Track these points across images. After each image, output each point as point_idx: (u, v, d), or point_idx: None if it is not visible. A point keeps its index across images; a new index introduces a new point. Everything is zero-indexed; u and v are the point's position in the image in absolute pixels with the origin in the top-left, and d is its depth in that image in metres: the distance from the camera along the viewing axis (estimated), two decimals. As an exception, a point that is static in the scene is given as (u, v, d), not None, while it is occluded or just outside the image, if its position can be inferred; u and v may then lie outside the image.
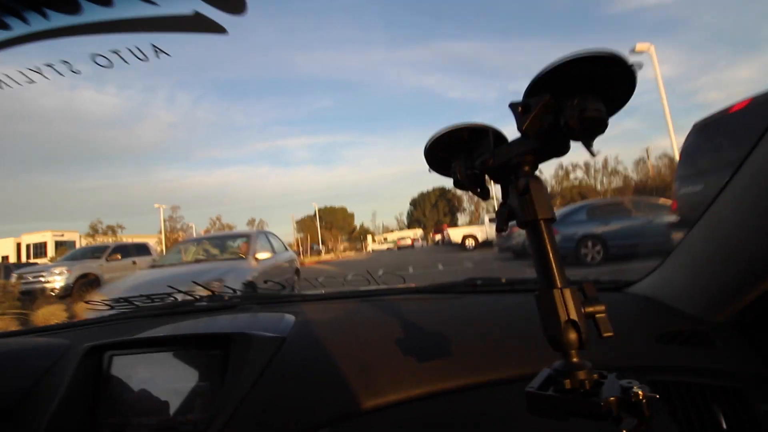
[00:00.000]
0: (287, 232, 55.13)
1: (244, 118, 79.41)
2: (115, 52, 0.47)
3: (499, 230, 0.48)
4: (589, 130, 0.40)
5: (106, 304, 1.20)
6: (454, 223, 54.46)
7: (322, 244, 43.77)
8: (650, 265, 0.90)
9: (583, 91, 0.40)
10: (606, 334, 0.40)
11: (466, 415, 0.68)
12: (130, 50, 0.47)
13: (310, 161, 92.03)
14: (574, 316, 0.40)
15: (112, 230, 46.68)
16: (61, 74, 0.50)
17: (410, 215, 69.00)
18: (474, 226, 20.20)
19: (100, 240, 45.82)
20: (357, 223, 70.60)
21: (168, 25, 0.46)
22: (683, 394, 0.64)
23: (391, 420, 0.68)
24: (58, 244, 52.40)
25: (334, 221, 67.59)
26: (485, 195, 0.51)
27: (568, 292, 0.41)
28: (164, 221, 48.06)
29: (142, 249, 13.40)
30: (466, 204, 57.86)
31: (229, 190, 76.60)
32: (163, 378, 0.76)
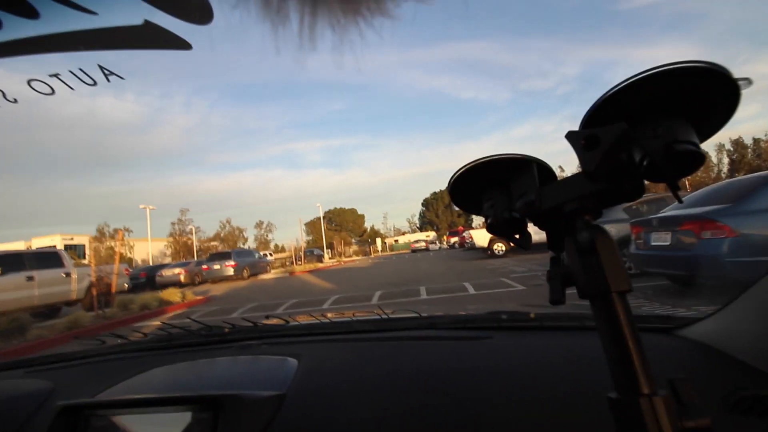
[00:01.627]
0: (296, 236, 52.35)
1: (257, 122, 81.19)
2: (55, 75, 0.41)
3: (553, 303, 0.35)
4: (679, 169, 0.31)
5: (98, 339, 1.14)
6: (468, 225, 50.24)
7: (328, 248, 39.72)
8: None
9: (667, 116, 0.31)
10: None
11: None
12: (73, 73, 0.41)
13: (322, 164, 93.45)
14: None
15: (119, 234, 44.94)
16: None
17: (422, 217, 64.90)
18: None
19: (108, 244, 44.04)
20: (368, 224, 67.04)
21: (117, 40, 0.39)
22: None
23: None
24: (68, 248, 51.81)
25: (343, 223, 64.18)
26: (526, 244, 0.40)
27: (659, 402, 0.29)
28: (172, 225, 46.74)
29: (49, 259, 9.44)
30: (481, 204, 53.08)
31: (241, 194, 78.60)
32: None
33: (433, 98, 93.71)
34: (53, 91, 0.42)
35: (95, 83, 0.42)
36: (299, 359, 0.83)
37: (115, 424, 0.70)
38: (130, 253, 44.03)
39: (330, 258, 34.73)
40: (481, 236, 14.53)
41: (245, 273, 18.14)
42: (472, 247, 15.24)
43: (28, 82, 0.42)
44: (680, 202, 0.34)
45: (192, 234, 46.22)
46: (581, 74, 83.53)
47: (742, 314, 0.67)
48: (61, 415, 0.71)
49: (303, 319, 1.23)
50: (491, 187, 0.41)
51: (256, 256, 20.26)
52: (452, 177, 0.41)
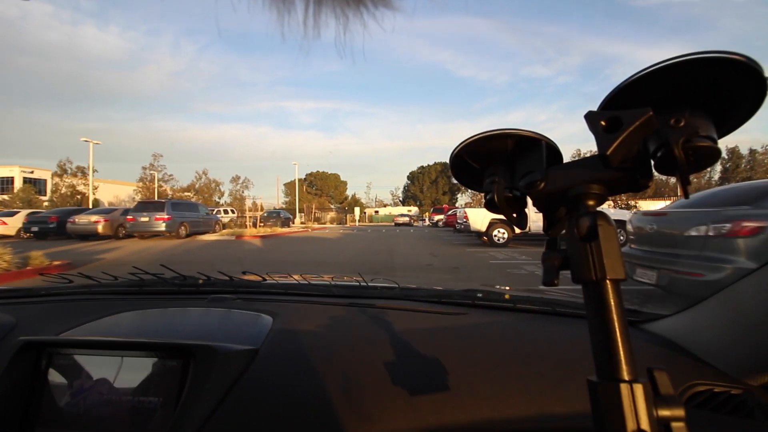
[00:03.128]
0: (277, 195, 48.76)
1: (249, 74, 75.72)
2: None
3: (546, 284, 0.35)
4: (694, 164, 0.30)
5: (64, 278, 1.05)
6: (452, 204, 46.98)
7: (300, 212, 35.76)
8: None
9: (688, 106, 0.30)
10: None
11: None
12: None
13: (312, 126, 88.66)
14: (645, 425, 0.28)
15: (82, 171, 40.56)
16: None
17: (406, 190, 61.24)
18: (504, 209, 12.30)
19: (69, 181, 39.40)
20: (350, 192, 63.14)
21: None
22: None
23: None
24: (27, 181, 47.39)
25: (324, 188, 60.05)
26: (522, 224, 0.39)
27: (639, 389, 0.29)
28: (143, 169, 42.53)
29: None
30: (469, 184, 49.70)
31: (223, 147, 74.74)
32: (110, 385, 0.65)
33: (432, 72, 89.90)
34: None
35: None
36: (274, 317, 0.81)
37: (79, 364, 0.66)
38: (94, 193, 39.80)
39: (301, 223, 30.91)
40: (478, 217, 10.99)
41: (182, 230, 14.25)
42: (465, 230, 11.75)
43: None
44: (686, 197, 0.31)
45: (163, 181, 42.53)
46: (582, 66, 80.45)
47: (706, 315, 0.68)
48: (22, 351, 0.67)
49: (280, 279, 1.15)
50: (495, 163, 0.38)
51: (201, 211, 16.24)
52: (457, 146, 0.38)
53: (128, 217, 13.86)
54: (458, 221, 13.09)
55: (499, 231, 10.84)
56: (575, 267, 0.32)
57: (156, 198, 35.31)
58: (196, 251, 9.94)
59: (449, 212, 24.01)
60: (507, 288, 1.21)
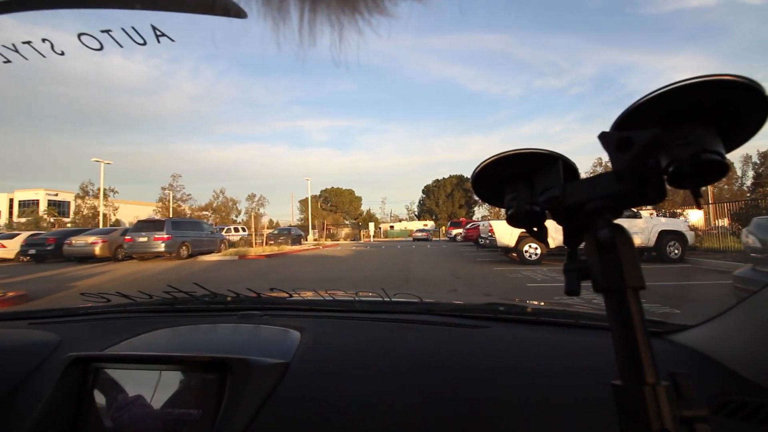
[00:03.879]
0: (294, 212, 48.44)
1: (265, 95, 78.40)
2: (107, 32, 0.41)
3: (569, 293, 0.36)
4: (703, 177, 0.31)
5: (103, 296, 1.08)
6: (469, 218, 45.26)
7: (320, 228, 34.67)
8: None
9: (697, 125, 0.32)
10: None
11: None
12: (125, 31, 0.40)
13: (327, 144, 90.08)
14: (669, 425, 0.29)
15: (103, 193, 41.01)
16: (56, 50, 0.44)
17: (421, 204, 59.80)
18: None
19: (91, 203, 39.90)
20: (365, 208, 62.13)
21: (178, 4, 0.39)
22: None
23: None
24: (51, 204, 48.55)
25: (339, 204, 59.22)
26: (544, 237, 0.40)
27: (662, 391, 0.30)
28: (162, 189, 42.97)
29: None
30: (485, 196, 47.81)
31: (241, 167, 76.43)
32: (153, 398, 0.66)
33: (444, 87, 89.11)
34: (101, 47, 0.41)
35: (145, 42, 0.41)
36: (302, 332, 0.82)
37: (122, 379, 0.68)
38: (114, 214, 40.01)
39: (314, 240, 29.77)
40: (506, 231, 9.50)
41: (184, 250, 13.19)
42: (491, 246, 10.24)
43: (79, 36, 0.40)
44: (699, 208, 0.28)
45: (181, 201, 42.65)
46: (596, 76, 78.22)
47: (733, 324, 0.67)
48: (71, 367, 0.69)
49: (306, 295, 1.16)
50: (515, 180, 0.40)
51: (206, 229, 15.25)
52: (479, 166, 0.40)
53: (126, 237, 12.88)
54: (481, 236, 11.56)
55: (530, 246, 9.30)
56: (596, 276, 0.33)
57: (171, 217, 34.98)
58: (186, 274, 8.76)
59: (468, 225, 22.45)
60: (532, 302, 1.16)
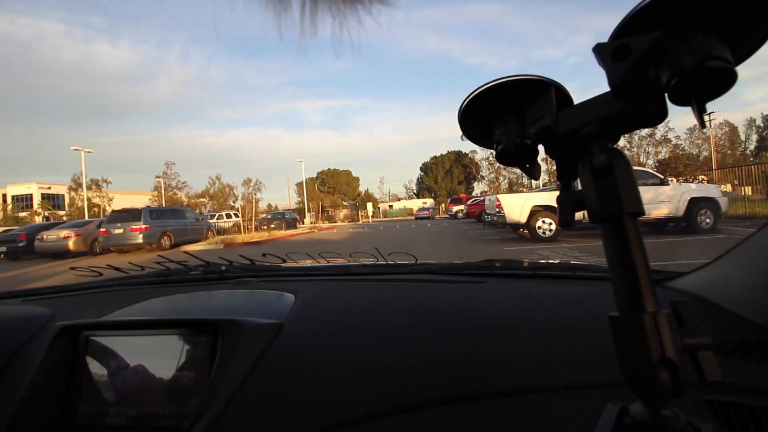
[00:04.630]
0: (291, 196, 47.34)
1: (258, 77, 74.85)
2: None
3: (563, 225, 0.34)
4: (710, 88, 0.28)
5: (95, 271, 1.08)
6: (469, 194, 44.07)
7: (309, 211, 33.49)
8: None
9: (703, 31, 0.28)
10: (712, 379, 0.28)
11: (503, 425, 0.55)
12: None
13: (322, 125, 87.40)
14: (670, 353, 0.28)
15: (96, 184, 39.92)
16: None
17: (420, 182, 58.45)
18: (545, 192, 9.52)
19: (82, 195, 38.81)
20: (363, 188, 60.84)
21: None
22: (747, 419, 0.53)
23: (410, 426, 0.57)
24: (45, 197, 47.47)
25: (337, 185, 57.92)
26: (536, 173, 0.38)
27: (663, 319, 0.28)
28: (156, 178, 41.92)
29: None
30: (484, 171, 46.52)
31: (237, 152, 73.73)
32: (145, 364, 0.65)
33: (440, 62, 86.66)
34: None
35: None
36: (296, 295, 0.80)
37: (114, 346, 0.67)
38: (109, 205, 38.89)
39: (311, 223, 28.65)
40: (516, 205, 8.37)
41: (165, 240, 12.09)
42: (499, 222, 9.13)
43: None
44: (703, 127, 0.29)
45: (177, 188, 41.49)
46: (593, 45, 75.09)
47: (731, 267, 0.66)
48: (61, 335, 0.67)
49: (301, 262, 1.16)
50: (505, 113, 0.37)
51: (190, 217, 14.03)
52: (465, 100, 0.37)
53: (101, 229, 11.75)
54: (487, 212, 10.41)
55: (543, 222, 8.19)
56: (592, 204, 0.31)
57: (164, 205, 33.81)
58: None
59: (470, 201, 21.28)
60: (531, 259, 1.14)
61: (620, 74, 0.28)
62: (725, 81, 0.27)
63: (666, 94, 0.29)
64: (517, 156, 0.36)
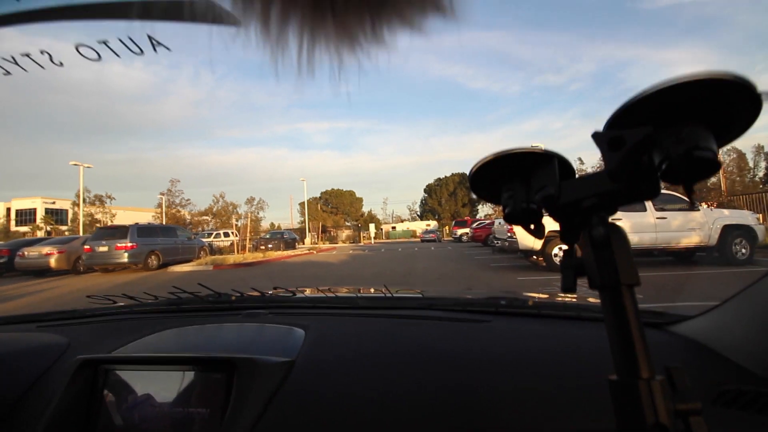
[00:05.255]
0: (294, 216, 47.00)
1: (265, 98, 76.70)
2: (104, 42, 0.40)
3: (565, 291, 0.36)
4: (696, 174, 0.31)
5: (109, 299, 1.08)
6: (473, 216, 43.24)
7: (310, 231, 32.71)
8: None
9: (689, 122, 0.31)
10: None
11: None
12: (122, 41, 0.40)
13: (327, 146, 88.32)
14: (663, 418, 0.29)
15: (99, 200, 39.66)
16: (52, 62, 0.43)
17: (423, 204, 57.81)
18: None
19: (87, 210, 38.54)
20: (367, 209, 60.27)
21: (174, 14, 0.38)
22: None
23: None
24: (49, 212, 47.42)
25: (340, 205, 57.43)
26: (540, 234, 0.40)
27: (656, 386, 0.30)
28: (160, 195, 41.87)
29: None
30: (489, 194, 45.77)
31: (242, 171, 74.63)
32: (161, 398, 0.66)
33: (443, 86, 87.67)
34: (99, 58, 0.41)
35: (142, 52, 0.40)
36: (306, 330, 0.81)
37: (132, 380, 0.68)
38: (111, 221, 38.49)
39: (312, 243, 27.82)
40: (526, 236, 7.51)
41: (152, 260, 11.33)
42: (510, 249, 8.30)
43: (77, 48, 0.40)
44: (693, 204, 0.30)
45: (180, 206, 41.21)
46: (595, 72, 76.50)
47: (732, 315, 0.66)
48: (81, 369, 0.69)
49: (309, 293, 1.17)
50: (511, 179, 0.40)
51: (181, 235, 13.25)
52: (475, 165, 0.40)
53: (85, 246, 11.03)
54: (496, 236, 9.60)
55: (560, 249, 7.34)
56: (591, 273, 0.33)
57: (164, 222, 33.27)
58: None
59: (475, 224, 20.42)
60: (534, 295, 1.15)
61: (616, 162, 0.31)
62: (710, 168, 0.30)
63: (658, 174, 0.32)
64: (523, 218, 0.39)
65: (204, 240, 16.03)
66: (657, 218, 7.24)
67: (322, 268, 10.48)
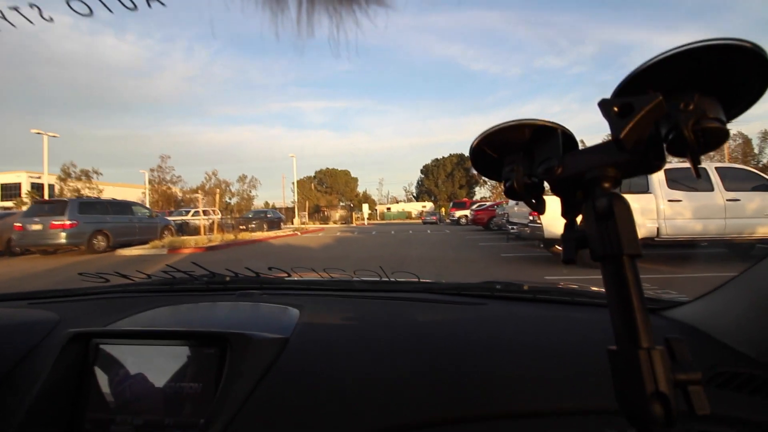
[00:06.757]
0: (287, 195, 45.18)
1: (261, 76, 72.83)
2: None
3: (567, 261, 0.36)
4: (704, 145, 0.30)
5: (102, 277, 1.06)
6: (470, 197, 41.41)
7: (302, 210, 30.83)
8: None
9: (698, 90, 0.31)
10: (701, 412, 0.30)
11: None
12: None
13: (324, 126, 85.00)
14: (663, 387, 0.30)
15: (86, 175, 37.18)
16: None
17: (420, 185, 55.84)
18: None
19: (73, 185, 36.22)
20: (362, 189, 58.25)
21: None
22: None
23: None
24: (34, 186, 45.14)
25: (334, 185, 55.36)
26: (541, 208, 0.40)
27: (657, 355, 0.30)
28: (150, 171, 39.74)
29: None
30: (488, 176, 43.87)
31: (239, 149, 71.87)
32: (153, 373, 0.65)
33: (443, 67, 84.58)
34: (91, 12, 0.37)
35: (136, 7, 0.37)
36: (300, 310, 0.80)
37: (123, 355, 0.67)
38: (99, 196, 36.35)
39: (302, 223, 25.99)
40: (554, 221, 5.70)
41: (99, 241, 9.49)
42: (528, 236, 6.52)
43: (67, 1, 0.37)
44: (698, 177, 0.32)
45: (171, 183, 39.12)
46: (596, 55, 73.74)
47: (726, 299, 0.66)
48: (71, 342, 0.67)
49: (304, 275, 1.14)
50: (513, 152, 0.39)
51: (138, 213, 11.34)
52: (478, 137, 0.39)
53: (15, 224, 9.13)
54: (510, 221, 7.79)
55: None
56: (593, 245, 0.33)
57: (149, 199, 31.27)
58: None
59: (476, 206, 18.63)
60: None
61: (623, 130, 0.30)
62: (718, 139, 0.30)
63: (664, 145, 0.31)
64: (524, 193, 0.38)
65: (181, 218, 14.11)
66: (728, 200, 5.46)
67: (304, 253, 8.68)
